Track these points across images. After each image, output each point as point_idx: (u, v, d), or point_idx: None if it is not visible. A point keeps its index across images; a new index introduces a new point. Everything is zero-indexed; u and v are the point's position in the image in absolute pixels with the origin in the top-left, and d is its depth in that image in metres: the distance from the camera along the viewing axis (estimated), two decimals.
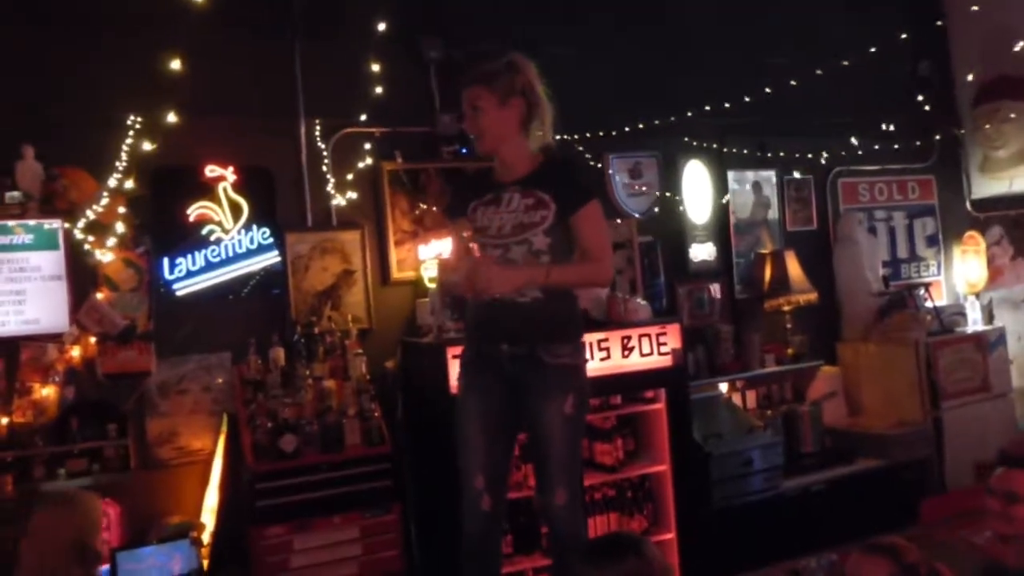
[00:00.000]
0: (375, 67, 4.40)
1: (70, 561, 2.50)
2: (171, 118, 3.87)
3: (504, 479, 2.72)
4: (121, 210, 3.89)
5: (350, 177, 4.44)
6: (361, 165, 4.48)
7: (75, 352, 3.81)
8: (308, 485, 3.66)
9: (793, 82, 5.31)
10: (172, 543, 3.52)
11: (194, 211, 4.12)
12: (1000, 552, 2.30)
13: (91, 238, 3.84)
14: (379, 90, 4.40)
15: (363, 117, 4.43)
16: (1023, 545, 2.26)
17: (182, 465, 4.01)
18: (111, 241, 3.88)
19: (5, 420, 3.64)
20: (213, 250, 4.12)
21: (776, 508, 4.55)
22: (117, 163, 3.90)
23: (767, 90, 5.28)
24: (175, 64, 3.76)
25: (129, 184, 3.91)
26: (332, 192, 4.40)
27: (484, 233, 2.60)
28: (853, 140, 5.87)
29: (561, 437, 2.54)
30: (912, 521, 3.71)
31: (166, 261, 4.03)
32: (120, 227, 3.89)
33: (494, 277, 2.38)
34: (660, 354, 4.19)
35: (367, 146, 4.48)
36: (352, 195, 4.44)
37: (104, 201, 3.84)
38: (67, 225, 3.80)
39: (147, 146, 3.91)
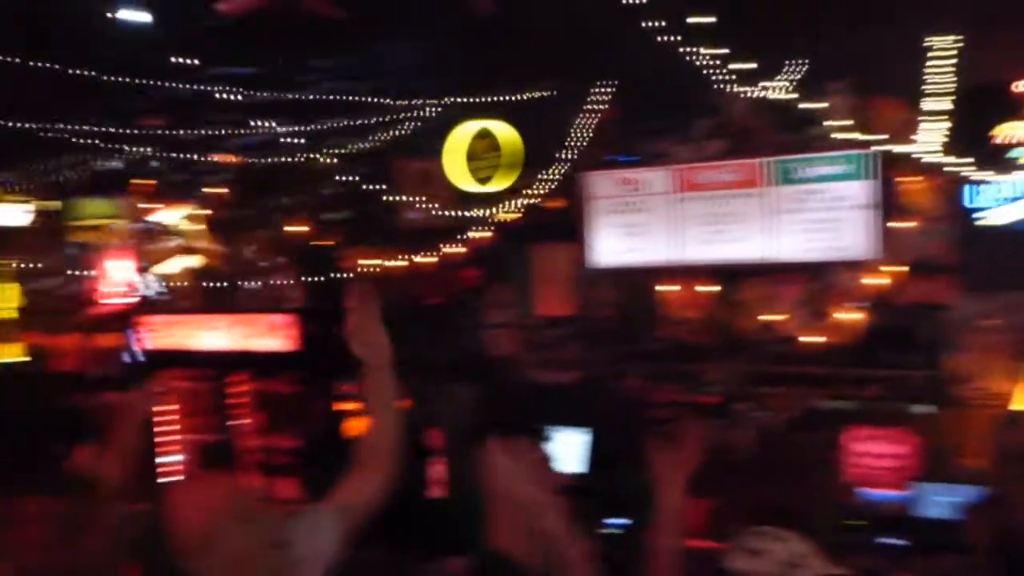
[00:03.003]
0: None
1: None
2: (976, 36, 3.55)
3: None
4: (932, 136, 3.74)
5: None
6: None
7: (877, 280, 3.84)
8: None
9: None
10: (966, 487, 3.27)
11: (1001, 133, 3.75)
12: None
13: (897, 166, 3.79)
14: None
15: None
16: None
17: (978, 407, 3.75)
18: (917, 168, 3.77)
19: (822, 338, 3.85)
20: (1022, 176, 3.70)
21: None
22: (923, 88, 3.75)
23: None
24: None
25: (939, 108, 3.73)
26: None
27: None
28: None
29: None
30: None
31: (971, 187, 3.77)
32: (929, 153, 3.75)
33: None
34: None
35: None
36: None
37: (912, 128, 3.73)
38: (877, 153, 3.80)
39: (952, 68, 3.67)
